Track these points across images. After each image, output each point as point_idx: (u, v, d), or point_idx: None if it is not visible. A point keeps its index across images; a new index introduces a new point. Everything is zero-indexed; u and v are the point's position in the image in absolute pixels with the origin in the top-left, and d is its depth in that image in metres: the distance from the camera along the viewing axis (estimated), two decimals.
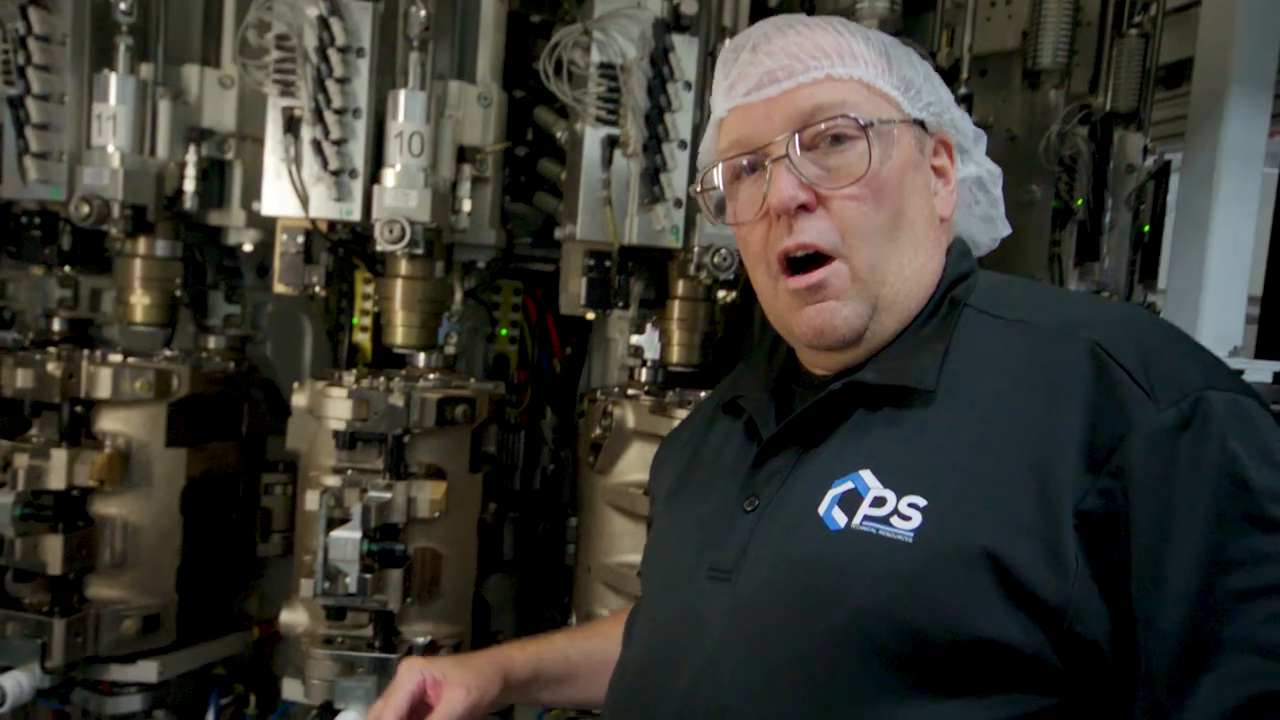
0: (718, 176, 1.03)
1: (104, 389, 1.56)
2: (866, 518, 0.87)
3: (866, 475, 0.90)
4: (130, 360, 1.61)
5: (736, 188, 1.02)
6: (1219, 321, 1.82)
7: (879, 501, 0.87)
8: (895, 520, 0.86)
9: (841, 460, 0.93)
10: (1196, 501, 0.81)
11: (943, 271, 1.01)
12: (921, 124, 1.00)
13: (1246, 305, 1.93)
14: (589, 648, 1.28)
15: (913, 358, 0.94)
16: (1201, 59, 1.67)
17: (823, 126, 0.95)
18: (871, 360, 0.98)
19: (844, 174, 0.95)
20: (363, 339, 2.17)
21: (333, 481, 1.51)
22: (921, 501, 0.86)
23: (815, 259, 0.96)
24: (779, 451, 0.99)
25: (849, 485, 0.90)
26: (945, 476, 0.86)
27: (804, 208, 0.95)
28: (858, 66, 0.97)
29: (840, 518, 0.89)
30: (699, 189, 1.08)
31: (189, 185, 1.67)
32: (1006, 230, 1.13)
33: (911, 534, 0.85)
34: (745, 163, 1.00)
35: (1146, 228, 2.31)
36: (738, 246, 1.15)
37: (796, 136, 0.95)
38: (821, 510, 0.90)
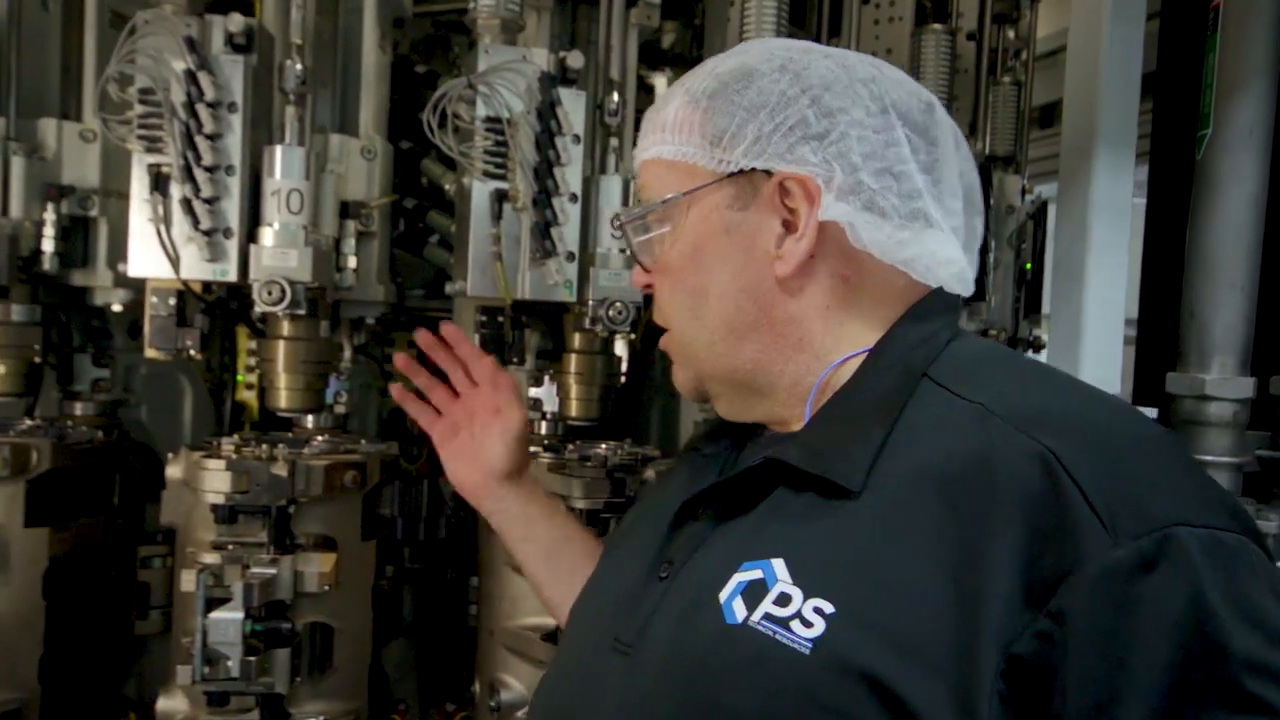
0: None
1: None
2: (766, 616, 0.77)
3: (778, 565, 0.79)
4: None
5: None
6: (1099, 371, 1.90)
7: (783, 599, 0.77)
8: (796, 625, 0.75)
9: (754, 542, 0.83)
10: (1153, 664, 0.68)
11: (888, 333, 0.88)
12: (755, 170, 0.87)
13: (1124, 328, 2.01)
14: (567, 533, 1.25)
15: (845, 444, 0.82)
16: (1068, 125, 1.74)
17: (619, 222, 1.00)
18: (810, 423, 0.89)
19: (645, 264, 0.98)
20: (248, 396, 2.07)
21: (211, 559, 1.42)
22: (829, 608, 0.75)
23: None
24: (698, 516, 0.91)
25: (757, 573, 0.80)
26: (859, 583, 0.76)
27: (651, 285, 0.99)
28: (661, 141, 0.93)
29: (740, 610, 0.79)
30: None
31: (48, 245, 1.57)
32: (976, 240, 0.95)
33: (810, 644, 0.74)
34: None
35: (1029, 265, 2.40)
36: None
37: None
38: (723, 597, 0.80)
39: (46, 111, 1.62)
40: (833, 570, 0.78)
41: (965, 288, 0.94)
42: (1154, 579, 0.68)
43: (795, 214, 0.87)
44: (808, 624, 0.75)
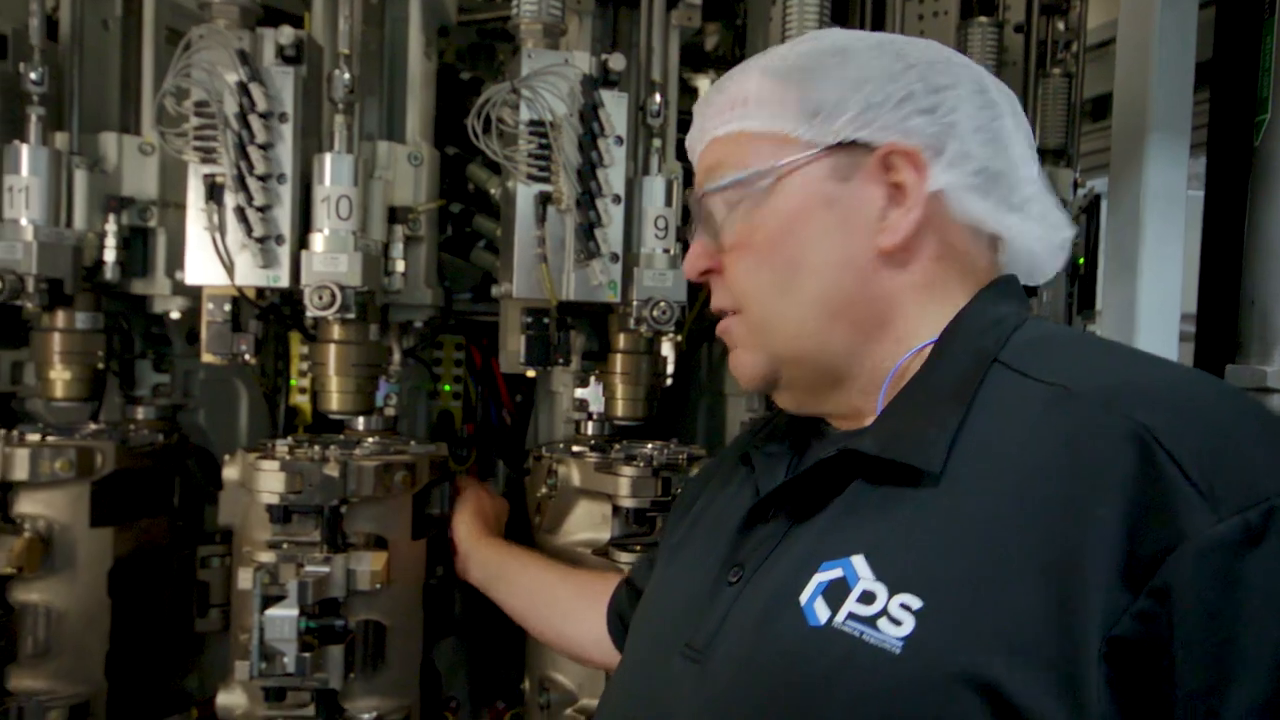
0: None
1: (21, 470, 1.49)
2: (851, 616, 0.74)
3: (858, 562, 0.77)
4: (49, 439, 1.54)
5: None
6: None
7: (867, 597, 0.74)
8: (883, 624, 0.72)
9: (832, 540, 0.80)
10: (1264, 640, 0.66)
11: (957, 318, 0.87)
12: (854, 143, 0.87)
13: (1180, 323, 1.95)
14: (548, 579, 1.49)
15: (919, 429, 0.80)
16: (1119, 104, 1.70)
17: (698, 196, 0.94)
18: (882, 414, 0.87)
19: (724, 239, 0.93)
20: (302, 400, 2.12)
21: (267, 557, 1.45)
22: (916, 603, 0.72)
23: None
24: (769, 517, 0.89)
25: (837, 572, 0.77)
26: (947, 575, 0.73)
27: (713, 271, 0.96)
28: (744, 115, 0.90)
29: (822, 611, 0.76)
30: None
31: (110, 255, 1.62)
32: (1069, 229, 0.94)
33: (900, 643, 0.71)
34: None
35: (1081, 260, 2.35)
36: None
37: (695, 206, 0.95)
38: (804, 599, 0.78)
39: (107, 126, 1.68)
40: (917, 564, 0.75)
41: (1045, 274, 0.96)
42: (1261, 552, 0.66)
43: (900, 187, 0.87)
44: (896, 621, 0.72)
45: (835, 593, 0.77)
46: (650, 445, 1.76)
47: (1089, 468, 0.71)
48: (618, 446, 1.75)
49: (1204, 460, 0.68)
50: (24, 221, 1.54)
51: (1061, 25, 2.33)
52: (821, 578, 0.78)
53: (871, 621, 0.73)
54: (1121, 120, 1.69)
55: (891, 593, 0.74)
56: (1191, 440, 0.69)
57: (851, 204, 0.88)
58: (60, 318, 1.64)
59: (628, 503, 1.53)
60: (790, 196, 0.88)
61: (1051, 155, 2.17)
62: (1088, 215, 2.26)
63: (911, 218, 0.86)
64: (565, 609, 1.44)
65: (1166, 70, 1.62)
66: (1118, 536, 0.68)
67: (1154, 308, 1.65)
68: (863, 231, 0.87)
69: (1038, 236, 0.92)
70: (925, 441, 0.79)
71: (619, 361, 1.75)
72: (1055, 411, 0.76)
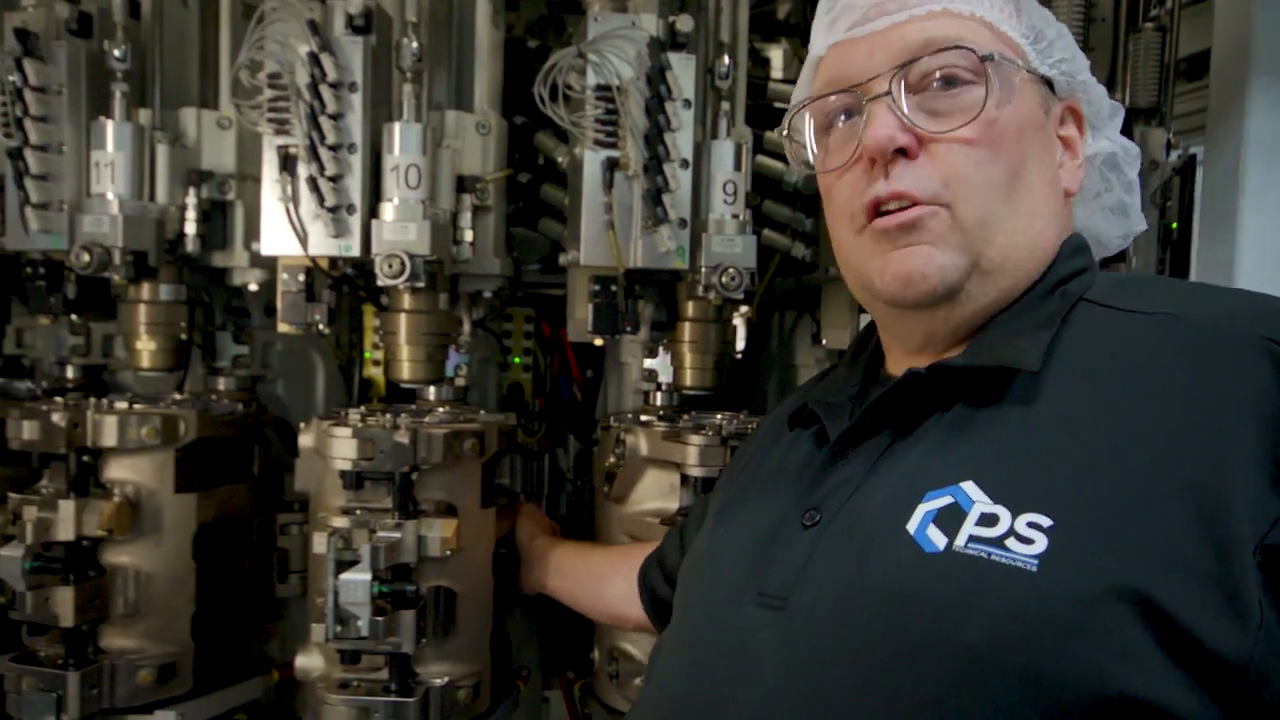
0: (807, 121, 0.91)
1: (110, 437, 1.54)
2: (974, 539, 0.70)
3: (969, 488, 0.73)
4: (135, 407, 1.59)
5: (828, 135, 0.90)
6: None
7: (989, 519, 0.70)
8: (1013, 543, 0.68)
9: (933, 468, 0.76)
10: None
11: (1053, 260, 0.86)
12: (1049, 84, 0.87)
13: None
14: (593, 556, 1.57)
15: (1010, 341, 0.78)
16: (1219, 51, 1.60)
17: (935, 61, 0.82)
18: (969, 344, 0.85)
19: (955, 114, 0.82)
20: (375, 372, 2.16)
21: (341, 523, 1.48)
22: (1045, 521, 0.68)
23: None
24: (850, 455, 0.84)
25: (946, 499, 0.73)
26: (1072, 491, 0.70)
27: (904, 152, 0.83)
28: (981, 4, 0.85)
29: (938, 538, 0.71)
30: (785, 134, 0.95)
31: (190, 228, 1.66)
32: (1142, 225, 0.97)
33: (1035, 561, 0.67)
34: (841, 104, 0.88)
35: (1175, 224, 2.23)
36: (825, 209, 0.94)
37: (903, 72, 0.83)
38: (912, 527, 0.73)
39: (186, 101, 1.72)
40: (1036, 481, 0.71)
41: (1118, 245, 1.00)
42: None
43: (1069, 140, 0.90)
44: (1026, 540, 0.68)
45: (949, 519, 0.72)
46: (720, 415, 1.74)
47: (1220, 383, 0.70)
48: (686, 416, 1.73)
49: None
50: (110, 196, 1.59)
51: None
52: (928, 507, 0.74)
53: (998, 542, 0.69)
54: (1221, 65, 1.59)
55: (1015, 513, 0.70)
56: None
57: (1050, 137, 0.89)
58: (145, 290, 1.69)
59: (695, 472, 1.51)
60: (1026, 103, 0.86)
61: (1143, 114, 2.06)
62: (1182, 177, 2.14)
63: (1083, 171, 0.90)
64: (602, 570, 1.52)
65: (1270, 14, 1.51)
66: (1261, 446, 0.67)
67: (1253, 269, 1.55)
68: (1055, 167, 0.89)
69: (1105, 223, 0.98)
70: (1017, 349, 0.77)
71: (687, 330, 1.73)
72: (1169, 335, 0.75)
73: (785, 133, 0.96)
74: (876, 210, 0.85)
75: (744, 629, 0.82)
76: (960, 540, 0.71)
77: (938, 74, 0.83)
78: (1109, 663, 0.64)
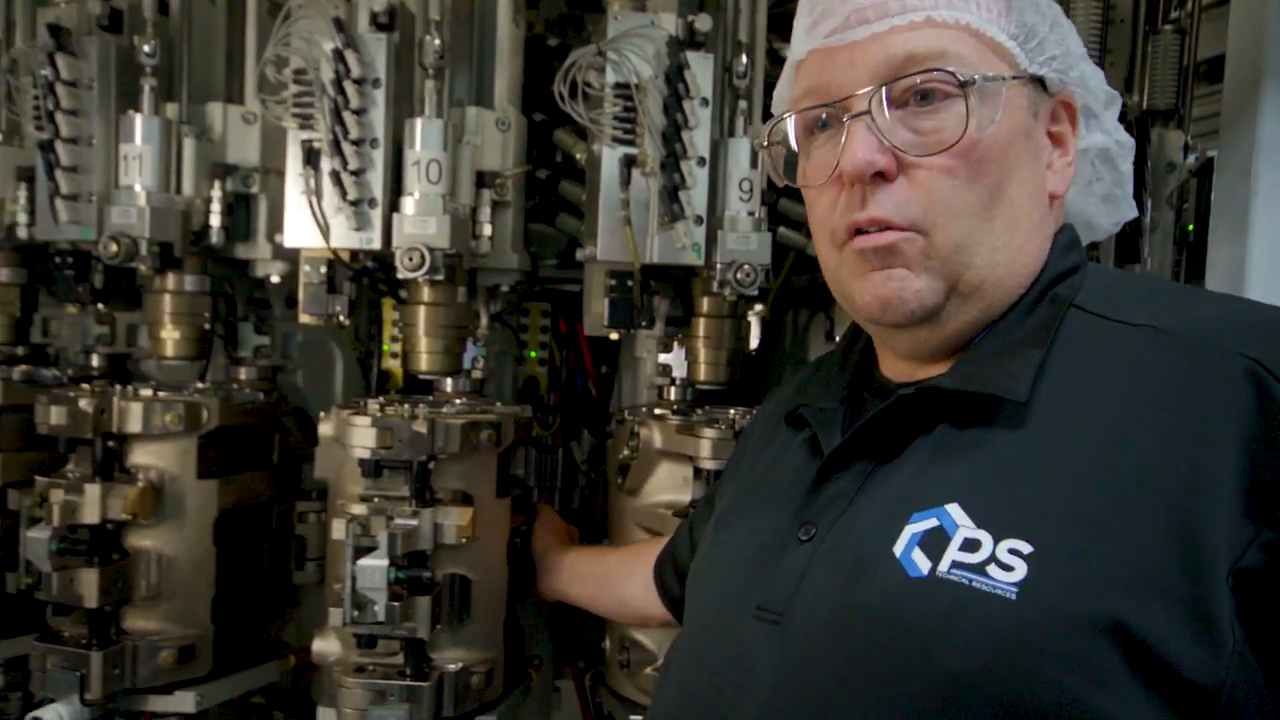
0: (790, 129, 0.89)
1: (135, 423, 1.58)
2: (956, 564, 0.71)
3: (954, 510, 0.74)
4: (160, 394, 1.63)
5: (810, 144, 0.88)
6: None
7: (971, 545, 0.72)
8: (993, 570, 0.70)
9: (921, 489, 0.78)
10: None
11: (1045, 260, 0.85)
12: (1041, 81, 0.85)
13: None
14: (607, 557, 1.60)
15: (999, 363, 0.79)
16: (1233, 53, 1.60)
17: (916, 80, 0.80)
18: (957, 361, 0.85)
19: (935, 139, 0.81)
20: (393, 365, 2.19)
21: (359, 510, 1.51)
22: (1025, 548, 0.70)
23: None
24: (843, 470, 0.85)
25: (932, 522, 0.74)
26: (1053, 517, 0.71)
27: (882, 175, 0.81)
28: (967, 9, 0.82)
29: (923, 562, 0.73)
30: (765, 143, 0.93)
31: (215, 220, 1.69)
32: (1132, 213, 0.97)
33: (1014, 589, 0.68)
34: (821, 116, 0.86)
35: (1191, 226, 2.23)
36: (808, 225, 0.93)
37: (883, 90, 0.80)
38: (898, 550, 0.75)
39: (213, 96, 1.75)
40: (1019, 507, 0.72)
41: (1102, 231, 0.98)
42: None
43: (1060, 136, 0.88)
44: (1006, 567, 0.69)
45: (933, 542, 0.74)
46: (733, 410, 1.75)
47: (1201, 403, 0.70)
48: (699, 411, 1.75)
49: None
50: (138, 188, 1.63)
51: None
52: (914, 529, 0.75)
53: (979, 569, 0.70)
54: (1236, 65, 1.60)
55: (997, 539, 0.71)
56: None
57: (1038, 140, 0.86)
58: (170, 280, 1.73)
59: (709, 464, 1.53)
60: (1011, 115, 0.82)
61: (1161, 116, 2.06)
62: (1199, 179, 2.15)
63: (1073, 169, 0.88)
64: (618, 573, 1.54)
65: None
66: (1238, 470, 0.68)
67: (1265, 270, 1.56)
68: (1042, 171, 0.86)
69: (1096, 209, 0.97)
70: (1007, 374, 0.77)
71: (702, 325, 1.75)
72: (1150, 350, 0.74)
73: (764, 142, 0.94)
74: (856, 229, 0.85)
75: (744, 642, 0.84)
76: (944, 566, 0.72)
77: (919, 91, 0.82)
78: (1085, 690, 0.66)
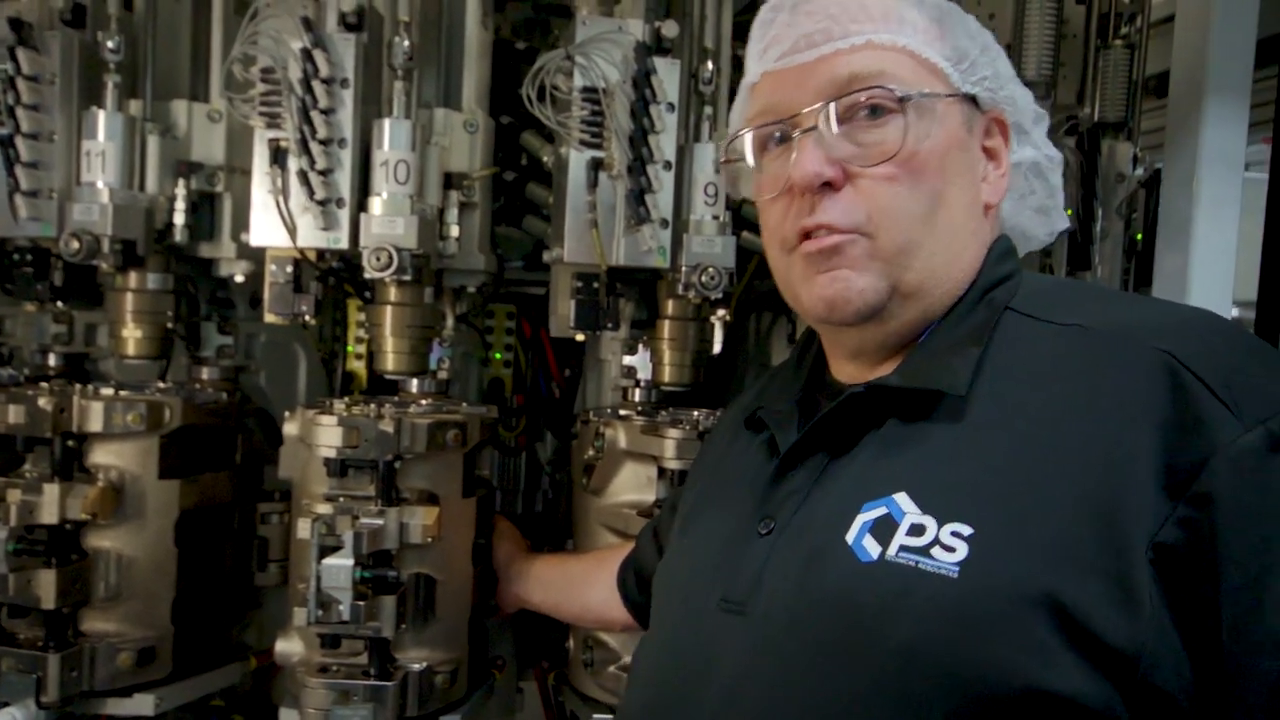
0: (746, 146, 0.96)
1: (96, 423, 1.56)
2: (903, 548, 0.77)
3: (901, 499, 0.80)
4: (122, 393, 1.61)
5: (764, 159, 0.95)
6: None
7: (917, 529, 0.78)
8: (937, 552, 0.76)
9: (870, 480, 0.84)
10: None
11: (981, 267, 0.92)
12: (974, 100, 0.92)
13: (1240, 310, 1.92)
14: (569, 563, 1.62)
15: (941, 361, 0.85)
16: (1177, 69, 1.67)
17: (861, 98, 0.87)
18: (902, 361, 0.91)
19: (878, 150, 0.88)
20: (358, 366, 2.18)
21: (324, 509, 1.50)
22: (965, 530, 0.76)
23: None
24: (798, 467, 0.91)
25: (881, 510, 0.80)
26: (990, 501, 0.77)
27: (830, 185, 0.88)
28: (904, 33, 0.89)
29: (873, 547, 0.79)
30: (723, 159, 1.03)
31: (179, 218, 1.68)
32: (1063, 223, 1.04)
33: (956, 568, 0.74)
34: (774, 133, 0.93)
35: (1140, 235, 2.30)
36: (763, 237, 1.01)
37: (830, 107, 0.88)
38: (850, 538, 0.80)
39: (178, 94, 1.74)
40: (959, 493, 0.78)
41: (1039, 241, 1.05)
42: None
43: (993, 151, 0.95)
44: (949, 549, 0.76)
45: (883, 529, 0.79)
46: (697, 412, 1.78)
47: (1121, 392, 0.76)
48: (664, 412, 1.77)
49: (1224, 377, 0.75)
50: (100, 184, 1.61)
51: None
52: (865, 517, 0.81)
53: (925, 551, 0.76)
54: (1180, 81, 1.67)
55: (941, 523, 0.77)
56: (1213, 363, 0.76)
57: (974, 153, 0.93)
58: (133, 278, 1.71)
59: (673, 464, 1.55)
60: (947, 129, 0.90)
61: (1111, 129, 2.13)
62: (1148, 190, 2.22)
63: (1006, 181, 0.94)
64: (582, 578, 1.57)
65: (1226, 30, 1.59)
66: (1155, 452, 0.73)
67: (1207, 277, 1.62)
68: (978, 182, 0.93)
69: (1030, 221, 1.03)
70: (948, 370, 0.83)
71: (667, 328, 1.77)
72: (1076, 347, 0.81)
73: (723, 158, 1.03)
74: (805, 235, 0.91)
75: (710, 632, 0.89)
76: (892, 550, 0.78)
77: (863, 107, 0.89)
78: (1021, 659, 0.72)
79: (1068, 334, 0.83)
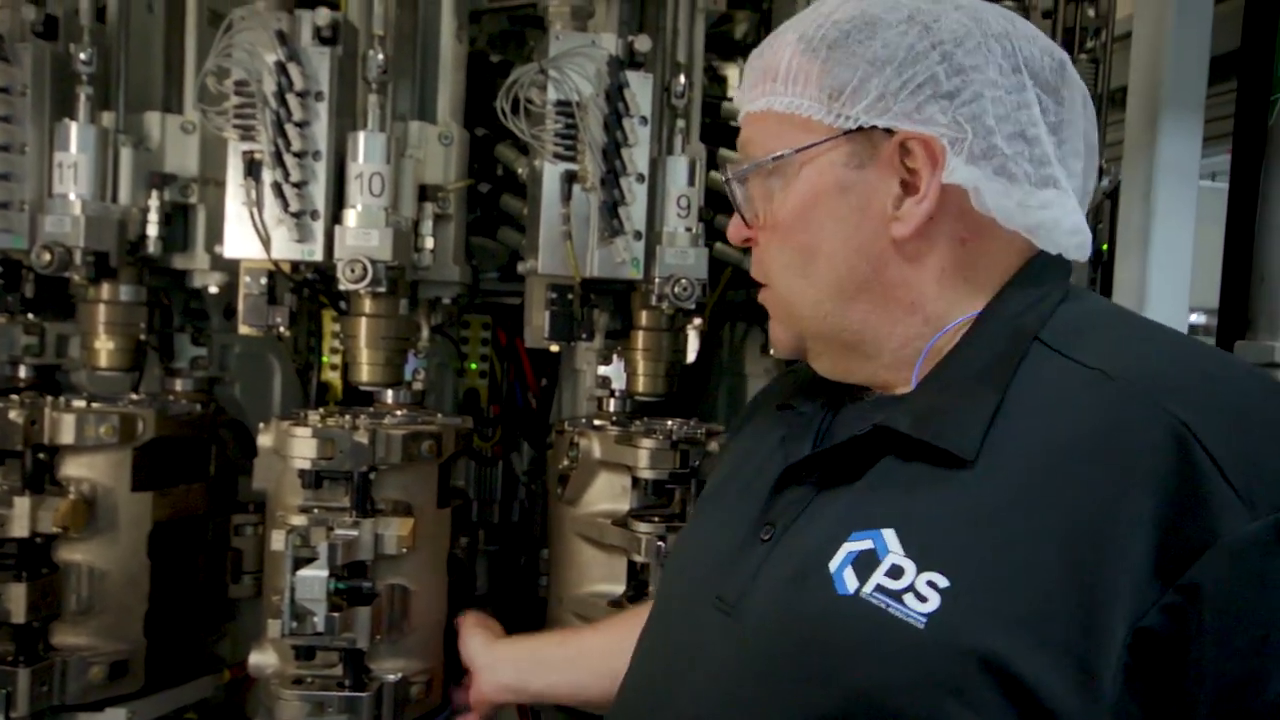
0: None
1: (68, 435, 1.55)
2: (879, 588, 0.76)
3: (889, 536, 0.78)
4: (94, 405, 1.60)
5: None
6: None
7: (896, 571, 0.76)
8: (909, 599, 0.74)
9: (863, 510, 0.82)
10: None
11: (997, 295, 0.86)
12: (873, 129, 0.84)
13: (1204, 318, 1.97)
14: (587, 638, 1.41)
15: (956, 410, 0.81)
16: (1135, 83, 1.72)
17: (731, 173, 0.95)
18: (918, 388, 0.88)
19: (750, 218, 0.95)
20: (333, 377, 2.18)
21: (299, 521, 1.50)
22: (942, 582, 0.74)
23: None
24: (800, 480, 0.90)
25: (867, 544, 0.79)
26: (974, 556, 0.74)
27: (751, 241, 0.97)
28: (774, 93, 0.88)
29: (851, 581, 0.78)
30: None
31: (152, 230, 1.68)
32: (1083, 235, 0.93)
33: (924, 619, 0.73)
34: None
35: (1105, 246, 2.35)
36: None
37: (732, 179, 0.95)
38: (833, 566, 0.79)
39: (151, 105, 1.74)
40: (946, 543, 0.76)
41: (1084, 254, 0.90)
42: None
43: (916, 175, 0.84)
44: (922, 598, 0.74)
45: (864, 563, 0.78)
46: (671, 422, 1.79)
47: (1125, 459, 0.72)
48: (638, 422, 1.79)
49: (1240, 459, 0.69)
50: (72, 196, 1.61)
51: (1091, 12, 2.32)
52: (852, 547, 0.80)
53: (898, 596, 0.75)
54: (1137, 95, 1.71)
55: (920, 569, 0.75)
56: (1231, 441, 0.70)
57: (865, 191, 0.86)
58: (105, 290, 1.71)
59: (647, 474, 1.57)
60: (808, 181, 0.87)
61: None
62: (1112, 201, 2.26)
63: (923, 209, 0.83)
64: (607, 649, 1.28)
65: (1181, 46, 1.63)
66: (1150, 530, 0.69)
67: (1164, 285, 1.66)
68: (877, 219, 0.86)
69: (1073, 227, 0.88)
70: (959, 424, 0.79)
71: (641, 338, 1.79)
72: (1092, 397, 0.76)
73: None
74: None
75: (702, 627, 0.89)
76: (869, 588, 0.77)
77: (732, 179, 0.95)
78: (969, 716, 0.70)
79: (1089, 379, 0.77)
